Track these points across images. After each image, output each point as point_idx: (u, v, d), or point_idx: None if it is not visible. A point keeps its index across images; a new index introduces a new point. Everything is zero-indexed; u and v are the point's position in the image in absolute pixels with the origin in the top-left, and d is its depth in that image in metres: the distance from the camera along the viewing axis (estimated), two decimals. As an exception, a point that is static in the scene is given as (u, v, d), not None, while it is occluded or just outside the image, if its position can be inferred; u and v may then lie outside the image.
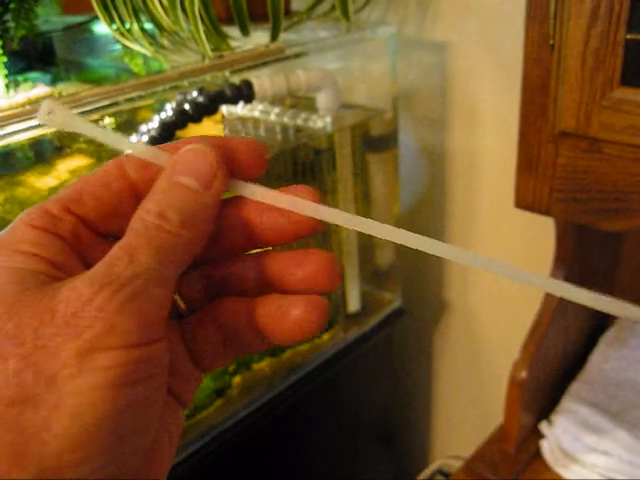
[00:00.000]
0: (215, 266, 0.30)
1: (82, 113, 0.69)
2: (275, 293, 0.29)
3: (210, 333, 0.29)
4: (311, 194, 0.29)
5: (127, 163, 0.28)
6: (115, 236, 0.27)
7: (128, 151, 0.29)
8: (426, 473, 1.23)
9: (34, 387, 0.22)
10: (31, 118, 0.65)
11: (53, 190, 0.78)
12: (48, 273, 0.25)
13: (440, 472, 1.24)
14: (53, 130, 0.71)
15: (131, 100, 0.72)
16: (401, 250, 1.07)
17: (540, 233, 0.93)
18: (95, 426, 0.22)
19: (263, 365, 0.92)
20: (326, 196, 0.94)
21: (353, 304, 1.01)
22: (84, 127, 0.29)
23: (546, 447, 0.86)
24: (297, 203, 0.29)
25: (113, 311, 0.22)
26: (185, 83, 0.77)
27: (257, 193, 0.29)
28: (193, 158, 0.27)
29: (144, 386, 0.23)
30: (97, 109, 0.70)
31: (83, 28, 1.14)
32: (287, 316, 0.28)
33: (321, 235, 0.96)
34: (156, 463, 0.26)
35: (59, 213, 0.27)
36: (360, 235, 0.99)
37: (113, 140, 0.29)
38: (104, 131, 0.29)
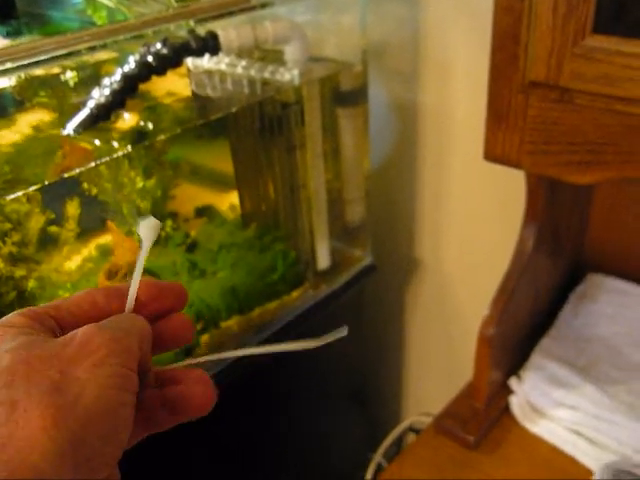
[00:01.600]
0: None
1: (42, 62, 0.66)
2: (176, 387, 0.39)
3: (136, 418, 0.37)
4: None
5: (96, 294, 0.38)
6: None
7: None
8: (398, 430, 1.24)
9: (62, 379, 0.31)
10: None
11: (13, 146, 0.76)
12: (43, 339, 0.34)
13: (412, 429, 1.25)
14: (13, 83, 0.69)
15: (93, 50, 0.70)
16: (371, 206, 1.06)
17: (512, 188, 0.92)
18: (107, 409, 0.31)
19: (231, 323, 0.91)
20: (295, 151, 0.92)
21: (323, 261, 1.00)
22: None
23: (515, 402, 0.86)
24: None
25: (113, 343, 0.33)
26: (149, 33, 0.75)
27: None
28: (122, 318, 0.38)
29: (127, 395, 0.33)
30: (57, 58, 0.67)
31: (45, -20, 1.11)
32: (189, 398, 0.38)
33: (289, 192, 0.95)
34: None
35: (41, 312, 0.36)
36: (329, 191, 0.97)
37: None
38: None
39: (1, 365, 0.31)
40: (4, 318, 0.35)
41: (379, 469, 1.18)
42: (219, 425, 0.92)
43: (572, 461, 0.80)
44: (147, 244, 0.39)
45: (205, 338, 0.89)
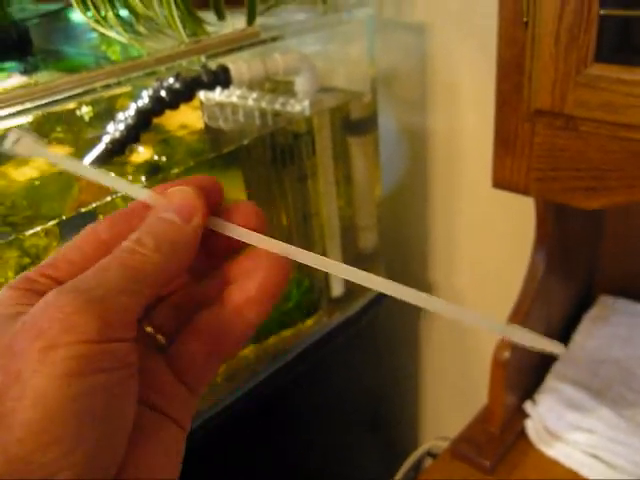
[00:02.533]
0: (181, 293, 0.34)
1: (58, 101, 0.68)
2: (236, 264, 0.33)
3: (195, 349, 0.31)
4: (255, 214, 0.33)
5: (99, 226, 0.32)
6: None
7: (100, 181, 0.32)
8: (415, 455, 1.24)
9: (2, 386, 0.24)
10: (7, 106, 0.64)
11: (31, 182, 0.78)
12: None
13: (429, 454, 1.25)
14: (30, 119, 0.70)
15: (108, 87, 0.72)
16: (384, 232, 1.06)
17: (522, 214, 0.93)
18: (55, 410, 0.24)
19: (247, 352, 0.92)
20: (307, 180, 0.94)
21: (336, 288, 1.01)
22: (52, 156, 0.32)
23: (530, 426, 0.86)
24: (268, 242, 0.32)
25: (72, 312, 0.25)
26: (162, 69, 0.76)
27: (234, 232, 0.32)
28: (176, 196, 0.31)
29: (103, 377, 0.25)
30: (73, 97, 0.69)
31: (59, 16, 1.13)
32: (252, 278, 0.32)
33: (302, 220, 0.96)
34: (147, 469, 0.28)
35: (35, 276, 0.29)
36: (342, 218, 0.98)
37: (78, 168, 0.32)
38: (73, 161, 0.32)
39: None
40: None
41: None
42: (235, 452, 0.92)
43: (589, 484, 0.80)
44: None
45: (221, 368, 0.90)
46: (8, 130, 0.31)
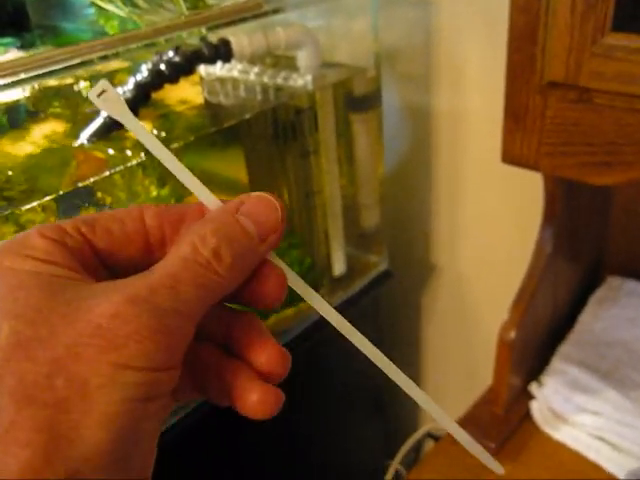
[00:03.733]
0: None
1: (55, 72, 0.66)
2: (240, 363, 0.30)
3: (184, 373, 0.29)
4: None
5: (146, 209, 0.30)
6: (115, 272, 0.29)
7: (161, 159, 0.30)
8: (416, 437, 1.23)
9: (65, 391, 0.23)
10: (2, 77, 0.62)
11: (28, 157, 0.76)
12: (68, 276, 0.26)
13: (430, 435, 1.24)
14: (27, 95, 0.69)
15: (105, 59, 0.70)
16: (386, 212, 1.05)
17: (528, 194, 0.91)
18: (119, 434, 0.24)
19: (247, 331, 0.91)
20: (309, 157, 0.92)
21: (338, 267, 1.00)
22: (130, 120, 0.30)
23: (536, 408, 0.85)
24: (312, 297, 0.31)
25: (148, 337, 0.24)
26: (161, 41, 0.74)
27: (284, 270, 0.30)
28: (261, 206, 0.29)
29: (157, 402, 0.26)
30: (70, 67, 0.67)
31: (57, -9, 1.11)
32: (245, 396, 0.29)
33: (304, 198, 0.94)
34: (143, 467, 0.28)
35: (70, 230, 0.28)
36: (344, 196, 0.97)
37: (149, 142, 0.30)
38: (148, 134, 0.30)
39: None
40: (20, 238, 0.27)
41: (397, 476, 1.17)
42: (234, 433, 0.91)
43: (595, 467, 0.79)
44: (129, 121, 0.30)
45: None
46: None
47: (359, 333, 0.33)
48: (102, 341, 0.24)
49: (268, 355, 0.30)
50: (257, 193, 0.29)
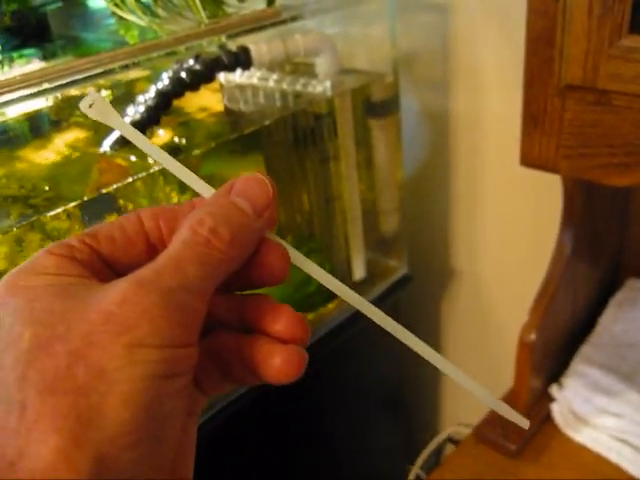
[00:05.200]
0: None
1: (77, 82, 0.67)
2: (259, 335, 0.31)
3: (206, 364, 0.31)
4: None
5: (142, 212, 0.31)
6: (124, 273, 0.28)
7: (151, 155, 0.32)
8: (436, 442, 1.23)
9: (84, 377, 0.24)
10: (25, 87, 0.63)
11: (51, 165, 0.77)
12: (80, 283, 0.27)
13: (450, 440, 1.24)
14: (50, 104, 0.70)
15: (126, 68, 0.71)
16: (406, 216, 1.05)
17: (547, 197, 0.91)
18: (142, 411, 0.24)
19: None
20: (328, 163, 0.93)
21: (358, 272, 1.00)
22: (122, 125, 0.31)
23: (556, 410, 0.85)
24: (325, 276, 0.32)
25: (159, 315, 0.25)
26: (182, 49, 0.75)
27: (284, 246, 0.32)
28: (251, 184, 0.31)
29: (177, 380, 0.26)
30: (92, 77, 0.68)
31: (77, 2, 1.13)
32: (268, 362, 0.30)
33: (324, 203, 0.95)
34: (181, 468, 0.29)
35: (76, 244, 0.29)
36: (364, 202, 0.97)
37: (139, 141, 0.31)
38: (138, 134, 0.31)
39: (21, 348, 0.25)
40: (31, 260, 0.28)
41: (419, 481, 1.17)
42: (254, 435, 0.92)
43: (617, 469, 0.79)
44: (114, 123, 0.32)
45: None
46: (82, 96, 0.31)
47: (365, 300, 0.33)
48: (115, 326, 0.24)
49: (285, 321, 0.30)
50: (245, 174, 0.31)
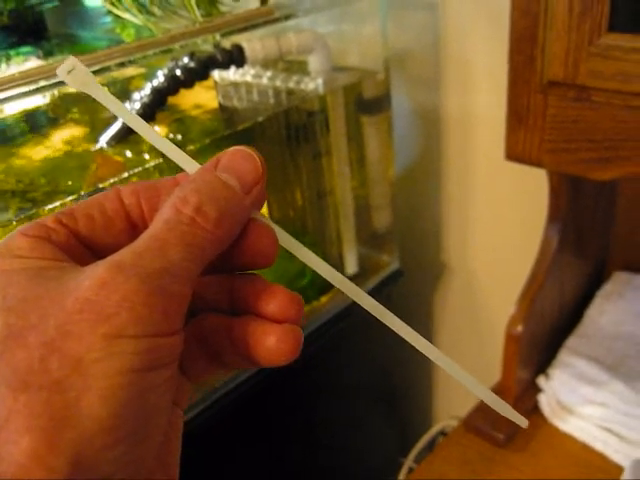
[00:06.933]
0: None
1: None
2: (251, 316, 0.29)
3: (193, 348, 0.29)
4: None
5: (122, 189, 0.29)
6: (104, 255, 0.26)
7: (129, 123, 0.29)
8: (429, 435, 1.24)
9: (59, 371, 0.22)
10: (23, 85, 0.65)
11: (49, 161, 0.79)
12: (55, 266, 0.25)
13: (443, 433, 1.25)
14: (47, 101, 0.71)
15: (122, 65, 0.72)
16: (397, 212, 1.07)
17: (537, 190, 0.93)
18: (123, 408, 0.22)
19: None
20: (321, 159, 0.94)
21: (350, 266, 1.02)
22: (99, 93, 0.29)
23: (544, 400, 0.87)
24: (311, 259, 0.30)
25: (140, 302, 0.23)
26: (176, 47, 0.77)
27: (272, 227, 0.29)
28: (239, 159, 0.28)
29: (161, 372, 0.24)
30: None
31: (74, 0, 1.14)
32: (262, 343, 0.28)
33: (316, 198, 0.97)
34: (168, 463, 0.27)
35: (52, 224, 0.27)
36: (356, 197, 0.99)
37: (119, 111, 0.29)
38: (117, 102, 0.29)
39: None
40: (4, 242, 0.26)
41: (411, 474, 1.18)
42: (247, 429, 0.93)
43: (602, 458, 0.81)
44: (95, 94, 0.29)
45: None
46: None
47: (353, 284, 0.32)
48: (92, 315, 0.23)
49: (278, 300, 0.28)
50: (232, 147, 0.29)
